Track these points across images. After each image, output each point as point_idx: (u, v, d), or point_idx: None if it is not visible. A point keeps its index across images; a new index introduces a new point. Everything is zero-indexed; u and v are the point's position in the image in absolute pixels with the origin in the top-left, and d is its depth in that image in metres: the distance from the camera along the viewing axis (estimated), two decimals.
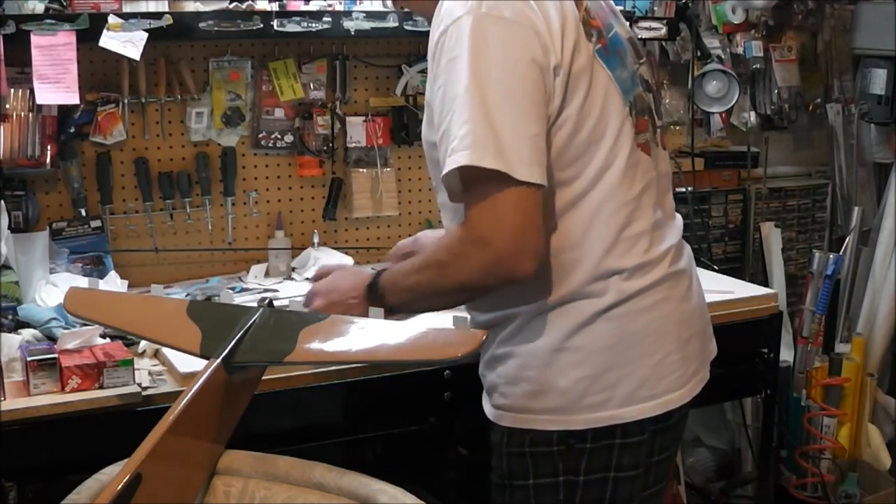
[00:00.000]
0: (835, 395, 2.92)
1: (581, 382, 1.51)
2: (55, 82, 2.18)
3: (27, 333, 1.98)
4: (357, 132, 2.67)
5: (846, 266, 3.18)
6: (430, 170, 1.60)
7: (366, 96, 2.70)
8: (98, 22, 2.21)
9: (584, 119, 1.47)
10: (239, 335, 1.51)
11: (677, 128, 3.18)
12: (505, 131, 1.38)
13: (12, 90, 2.24)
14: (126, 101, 2.40)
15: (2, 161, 2.24)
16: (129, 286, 2.35)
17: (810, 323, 2.95)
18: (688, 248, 1.67)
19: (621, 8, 2.01)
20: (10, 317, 2.06)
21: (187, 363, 1.76)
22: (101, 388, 1.76)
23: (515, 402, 1.55)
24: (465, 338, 1.40)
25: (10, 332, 1.99)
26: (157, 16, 2.28)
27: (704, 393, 1.63)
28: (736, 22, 3.15)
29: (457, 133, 1.38)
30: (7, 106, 2.23)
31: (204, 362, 1.51)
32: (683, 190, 2.96)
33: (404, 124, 2.70)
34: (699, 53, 3.03)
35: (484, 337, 1.40)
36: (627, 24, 1.70)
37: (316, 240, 2.65)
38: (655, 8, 2.86)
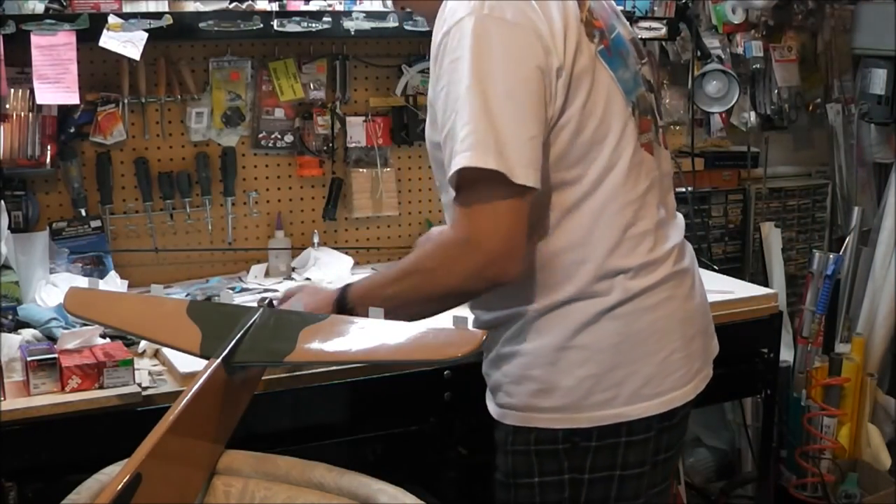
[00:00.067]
0: (835, 395, 2.92)
1: (587, 381, 1.51)
2: (55, 82, 2.18)
3: (27, 333, 1.98)
4: (357, 132, 2.67)
5: (846, 266, 3.18)
6: (434, 170, 1.61)
7: (366, 96, 2.70)
8: (98, 22, 2.21)
9: (586, 120, 1.47)
10: (239, 335, 1.51)
11: (677, 128, 3.18)
12: (505, 132, 1.38)
13: (12, 90, 2.24)
14: (126, 101, 2.40)
15: (2, 161, 2.24)
16: (129, 286, 2.35)
17: (810, 323, 2.95)
18: (690, 247, 1.68)
19: (621, 8, 2.01)
20: (10, 317, 2.06)
21: (187, 363, 1.76)
22: (101, 388, 1.76)
23: (520, 400, 1.56)
24: (465, 338, 1.40)
25: (10, 332, 1.99)
26: (157, 16, 2.28)
27: (705, 393, 1.64)
28: (736, 22, 3.15)
29: (460, 134, 1.39)
30: (7, 106, 2.23)
31: (204, 362, 1.51)
32: (683, 190, 2.96)
33: (404, 124, 2.70)
34: (699, 53, 3.03)
35: (484, 337, 1.40)
36: (629, 24, 1.70)
37: (316, 240, 2.65)
38: (655, 8, 2.86)
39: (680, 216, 1.69)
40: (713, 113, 3.14)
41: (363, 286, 1.58)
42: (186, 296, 2.31)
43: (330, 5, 2.50)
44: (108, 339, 1.89)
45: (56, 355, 1.76)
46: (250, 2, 2.42)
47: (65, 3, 2.21)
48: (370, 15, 2.50)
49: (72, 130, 2.36)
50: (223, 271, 2.60)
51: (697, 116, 3.18)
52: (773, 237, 3.24)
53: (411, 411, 2.02)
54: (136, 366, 1.81)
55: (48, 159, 2.30)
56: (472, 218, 1.42)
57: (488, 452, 1.67)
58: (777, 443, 2.82)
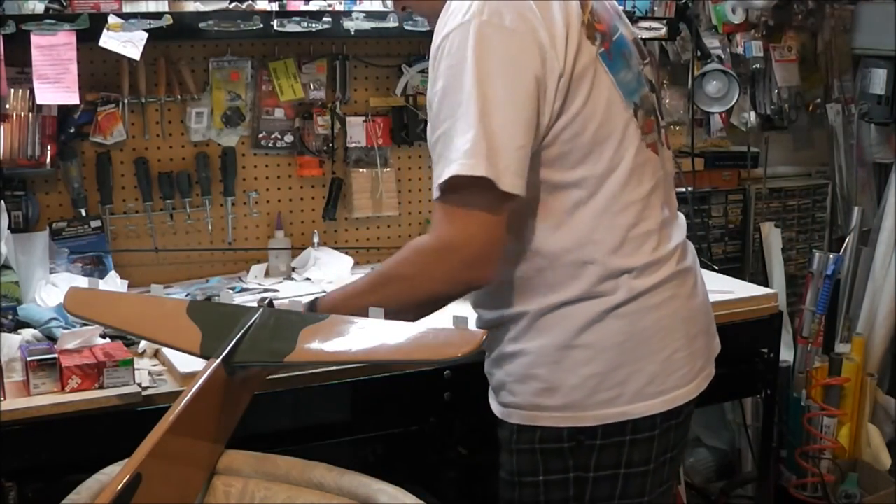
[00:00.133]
0: (835, 395, 2.92)
1: (591, 379, 1.52)
2: (55, 82, 2.18)
3: (27, 333, 1.98)
4: (357, 132, 2.67)
5: (846, 266, 3.18)
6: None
7: (366, 96, 2.70)
8: (98, 22, 2.21)
9: (586, 122, 1.48)
10: (239, 335, 1.51)
11: (677, 128, 3.18)
12: (498, 140, 1.40)
13: (12, 90, 2.24)
14: (126, 101, 2.40)
15: (2, 161, 2.24)
16: (129, 286, 2.35)
17: (810, 323, 2.95)
18: (692, 247, 1.69)
19: (622, 8, 2.01)
20: (10, 317, 2.06)
21: (187, 363, 1.77)
22: (101, 388, 1.76)
23: (525, 399, 1.56)
24: (464, 338, 1.40)
25: (10, 332, 1.99)
26: (157, 16, 2.28)
27: (705, 392, 1.64)
28: (736, 22, 3.16)
29: (457, 142, 1.41)
30: (7, 106, 2.23)
31: (204, 362, 1.51)
32: (683, 190, 2.96)
33: (404, 124, 2.70)
34: (699, 53, 3.03)
35: (484, 337, 1.40)
36: (631, 24, 1.71)
37: (316, 240, 2.65)
38: (655, 8, 2.86)
39: (681, 216, 1.70)
40: (713, 113, 3.14)
41: (333, 299, 1.59)
42: (186, 296, 2.31)
43: (330, 5, 2.50)
44: (108, 339, 1.89)
45: (56, 355, 1.76)
46: (250, 2, 2.42)
47: (65, 3, 2.21)
48: (370, 15, 2.50)
49: (72, 130, 2.35)
50: (223, 271, 2.60)
51: (697, 116, 3.18)
52: (773, 237, 3.24)
53: (411, 411, 2.02)
54: (136, 366, 1.81)
55: (48, 159, 2.30)
56: (453, 222, 1.44)
57: (488, 452, 1.67)
58: (777, 443, 2.82)
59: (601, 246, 1.51)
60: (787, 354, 2.94)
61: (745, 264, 3.34)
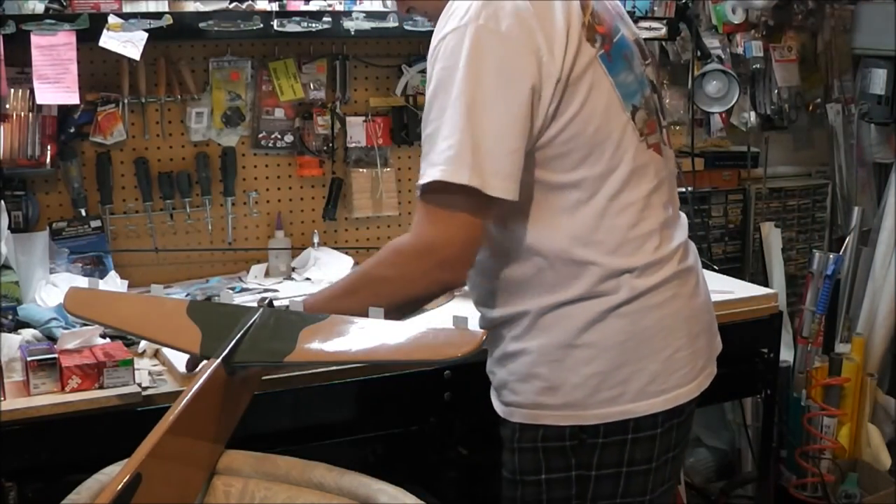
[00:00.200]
0: (835, 395, 2.92)
1: (593, 378, 1.52)
2: (55, 82, 2.18)
3: (27, 333, 1.98)
4: (357, 132, 2.67)
5: (846, 266, 3.18)
6: None
7: (366, 96, 2.70)
8: (98, 22, 2.22)
9: (584, 124, 1.49)
10: (239, 335, 1.51)
11: (677, 128, 3.18)
12: (487, 146, 1.41)
13: (12, 90, 2.24)
14: (126, 101, 2.40)
15: (2, 161, 2.24)
16: (129, 286, 2.35)
17: (810, 323, 2.95)
18: (693, 246, 1.69)
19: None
20: (10, 317, 2.06)
21: (185, 368, 1.76)
22: (101, 388, 1.76)
23: (527, 398, 1.56)
24: (464, 338, 1.40)
25: (10, 332, 1.99)
26: (157, 16, 2.28)
27: (705, 392, 1.64)
28: (736, 22, 3.15)
29: (440, 145, 1.42)
30: (7, 106, 2.23)
31: (204, 362, 1.51)
32: (683, 190, 2.96)
33: (404, 124, 2.70)
34: (699, 53, 3.03)
35: (484, 337, 1.40)
36: (633, 24, 1.71)
37: (316, 240, 2.65)
38: (655, 8, 2.87)
39: (683, 216, 1.70)
40: (713, 113, 3.14)
41: (312, 303, 1.58)
42: (186, 296, 2.31)
43: (330, 5, 2.50)
44: (108, 339, 1.89)
45: (56, 355, 1.76)
46: (250, 2, 2.42)
47: (65, 3, 2.21)
48: (370, 15, 2.50)
49: (72, 130, 2.36)
50: (223, 271, 2.60)
51: (697, 116, 3.18)
52: (773, 237, 3.24)
53: (411, 411, 2.02)
54: (136, 366, 1.81)
55: (48, 159, 2.30)
56: (434, 223, 1.46)
57: (488, 452, 1.67)
58: (777, 443, 2.82)
59: (601, 246, 1.51)
60: (787, 354, 2.94)
61: (745, 264, 3.34)
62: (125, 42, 2.23)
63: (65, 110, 2.31)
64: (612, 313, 1.52)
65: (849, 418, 2.97)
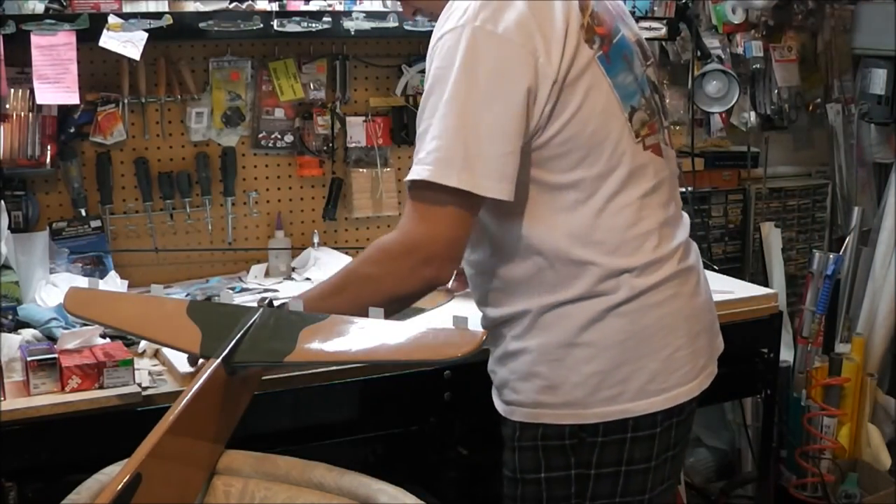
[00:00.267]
0: (835, 395, 2.92)
1: (593, 377, 1.53)
2: (55, 82, 2.18)
3: (27, 333, 1.98)
4: (357, 132, 2.67)
5: (846, 266, 3.18)
6: None
7: (366, 96, 2.70)
8: (98, 22, 2.21)
9: (582, 125, 1.49)
10: (239, 335, 1.51)
11: (677, 128, 3.18)
12: (479, 147, 1.42)
13: (12, 90, 2.24)
14: (126, 101, 2.40)
15: (2, 161, 2.24)
16: (129, 286, 2.35)
17: (810, 323, 2.95)
18: (695, 246, 1.70)
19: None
20: (10, 317, 2.06)
21: (187, 363, 1.76)
22: (101, 388, 1.76)
23: (527, 397, 1.57)
24: (464, 338, 1.40)
25: (10, 332, 1.99)
26: (157, 16, 2.28)
27: (706, 392, 1.64)
28: (736, 22, 3.16)
29: (428, 146, 1.44)
30: (7, 106, 2.23)
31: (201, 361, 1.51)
32: (683, 190, 2.96)
33: (404, 124, 2.70)
34: (699, 53, 3.03)
35: (484, 337, 1.40)
36: (636, 24, 1.71)
37: (316, 240, 2.65)
38: (655, 8, 2.87)
39: (685, 215, 1.71)
40: (713, 113, 3.14)
41: (301, 302, 1.59)
42: (186, 296, 2.31)
43: (330, 5, 2.50)
44: (108, 339, 1.89)
45: (56, 355, 1.76)
46: (250, 2, 2.42)
47: (65, 3, 2.21)
48: (370, 15, 2.50)
49: (72, 130, 2.36)
50: (223, 271, 2.60)
51: (697, 116, 3.18)
52: (773, 237, 3.24)
53: (411, 411, 2.02)
54: (136, 366, 1.81)
55: (48, 159, 2.30)
56: (421, 220, 1.47)
57: (488, 452, 1.67)
58: (777, 443, 2.82)
59: (601, 246, 1.52)
60: (787, 354, 2.94)
61: (745, 264, 3.34)
62: (125, 42, 2.23)
63: (65, 110, 2.31)
64: (612, 312, 1.52)
65: (849, 418, 2.97)
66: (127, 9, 2.27)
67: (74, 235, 2.39)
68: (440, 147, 1.43)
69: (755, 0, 3.15)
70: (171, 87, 2.45)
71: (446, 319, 1.43)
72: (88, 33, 2.21)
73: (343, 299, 1.53)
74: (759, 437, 2.71)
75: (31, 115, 2.26)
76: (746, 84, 3.22)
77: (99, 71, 2.39)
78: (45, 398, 1.73)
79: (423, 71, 2.61)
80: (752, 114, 3.27)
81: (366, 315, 1.47)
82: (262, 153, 2.63)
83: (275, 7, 2.41)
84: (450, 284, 2.18)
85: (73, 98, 2.21)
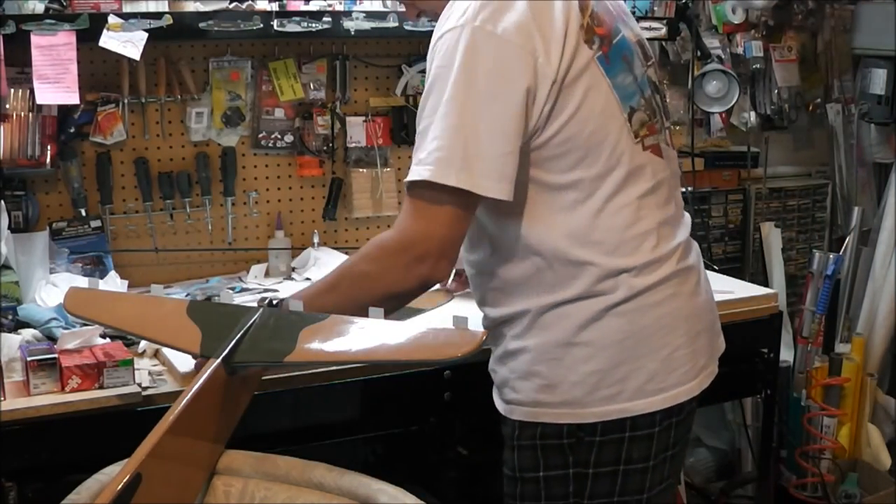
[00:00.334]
0: (835, 395, 2.92)
1: (592, 377, 1.53)
2: (55, 82, 2.18)
3: (27, 333, 1.98)
4: (357, 132, 2.67)
5: (846, 266, 3.18)
6: None
7: (366, 96, 2.70)
8: (98, 22, 2.21)
9: (581, 125, 1.49)
10: (239, 335, 1.51)
11: (677, 128, 3.18)
12: (478, 148, 1.43)
13: (12, 90, 2.24)
14: (126, 101, 2.40)
15: (2, 161, 2.24)
16: (129, 286, 2.35)
17: (810, 323, 2.95)
18: (695, 245, 1.70)
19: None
20: (10, 317, 2.06)
21: (187, 363, 1.76)
22: (101, 388, 1.76)
23: (527, 396, 1.57)
24: (464, 338, 1.40)
25: (10, 332, 1.99)
26: (157, 16, 2.28)
27: (705, 392, 1.64)
28: (736, 22, 3.16)
29: (429, 145, 1.44)
30: (7, 106, 2.23)
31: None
32: (683, 190, 2.95)
33: (404, 124, 2.70)
34: (699, 53, 3.03)
35: (484, 337, 1.41)
36: (637, 24, 1.71)
37: (316, 240, 2.65)
38: (655, 8, 2.87)
39: (686, 215, 1.71)
40: (713, 113, 3.14)
41: (298, 299, 1.59)
42: (186, 296, 2.31)
43: (330, 5, 2.50)
44: (108, 339, 1.89)
45: (56, 355, 1.76)
46: (250, 2, 2.42)
47: (65, 3, 2.21)
48: (370, 15, 2.50)
49: (72, 130, 2.36)
50: (223, 271, 2.60)
51: (697, 116, 3.18)
52: (773, 237, 3.23)
53: (411, 411, 2.02)
54: (136, 366, 1.81)
55: (48, 159, 2.30)
56: (418, 218, 1.48)
57: (488, 452, 1.67)
58: (777, 443, 2.82)
59: (599, 247, 1.52)
60: (787, 354, 2.94)
61: (745, 264, 3.34)
62: (125, 42, 2.23)
63: (65, 110, 2.31)
64: (611, 312, 1.53)
65: (849, 418, 2.97)
66: (127, 9, 2.27)
67: (74, 235, 2.39)
68: (440, 147, 1.43)
69: (755, 0, 3.15)
70: (171, 87, 2.45)
71: (446, 319, 1.43)
72: (88, 33, 2.21)
73: (339, 296, 1.54)
74: (759, 437, 2.71)
75: (31, 115, 2.26)
76: (746, 84, 3.22)
77: (99, 71, 2.39)
78: (45, 398, 1.73)
79: (423, 71, 2.61)
80: (752, 114, 3.27)
81: (362, 311, 1.47)
82: (262, 153, 2.63)
83: (275, 7, 2.41)
84: (450, 285, 2.18)
85: (73, 98, 2.21)
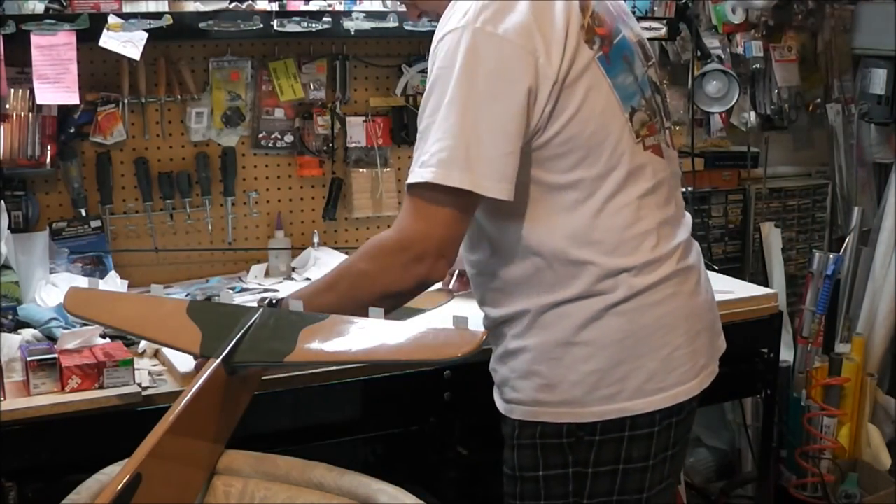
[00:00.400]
0: (835, 395, 2.92)
1: (591, 376, 1.53)
2: (55, 82, 2.18)
3: (27, 333, 1.98)
4: (357, 132, 2.67)
5: (846, 266, 3.18)
6: None
7: (366, 96, 2.70)
8: (98, 22, 2.21)
9: (582, 126, 1.50)
10: (239, 335, 1.51)
11: (677, 128, 3.18)
12: (480, 148, 1.43)
13: (12, 90, 2.24)
14: (126, 101, 2.40)
15: (2, 161, 2.24)
16: (129, 286, 2.35)
17: (810, 323, 2.95)
18: (696, 245, 1.70)
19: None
20: (10, 317, 2.06)
21: (187, 363, 1.76)
22: (101, 388, 1.76)
23: (527, 395, 1.58)
24: (464, 338, 1.40)
25: (10, 332, 1.99)
26: (157, 16, 2.28)
27: (706, 392, 1.64)
28: (736, 22, 3.16)
29: (431, 147, 1.45)
30: (7, 106, 2.23)
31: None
32: (683, 190, 2.95)
33: (404, 124, 2.70)
34: (699, 53, 3.03)
35: (484, 337, 1.41)
36: (637, 24, 1.71)
37: (316, 240, 2.65)
38: (655, 8, 2.87)
39: (687, 215, 1.71)
40: (713, 113, 3.14)
41: (297, 298, 1.59)
42: (186, 296, 2.31)
43: (330, 5, 2.50)
44: (108, 339, 1.89)
45: (56, 355, 1.76)
46: (250, 2, 2.42)
47: (65, 3, 2.21)
48: (370, 15, 2.50)
49: (72, 130, 2.35)
50: (223, 271, 2.60)
51: (697, 116, 3.18)
52: (773, 237, 3.23)
53: (411, 411, 2.02)
54: (136, 366, 1.81)
55: (48, 159, 2.30)
56: (418, 218, 1.48)
57: (488, 452, 1.67)
58: (777, 443, 2.82)
59: (599, 246, 1.52)
60: (787, 354, 2.94)
61: (745, 264, 3.34)
62: (125, 42, 2.23)
63: (65, 110, 2.31)
64: (610, 311, 1.53)
65: (849, 418, 2.97)
66: (127, 9, 2.27)
67: (74, 235, 2.39)
68: (443, 148, 1.44)
69: (755, 0, 3.15)
70: (171, 87, 2.45)
71: (446, 319, 1.43)
72: (88, 33, 2.21)
73: (337, 294, 1.54)
74: (759, 437, 2.71)
75: (31, 115, 2.26)
76: (746, 84, 3.22)
77: (99, 71, 2.39)
78: (45, 398, 1.73)
79: (422, 71, 2.62)
80: (752, 114, 3.27)
81: (361, 310, 1.47)
82: (262, 153, 2.63)
83: (275, 7, 2.41)
84: (451, 285, 2.18)
85: (73, 98, 2.21)
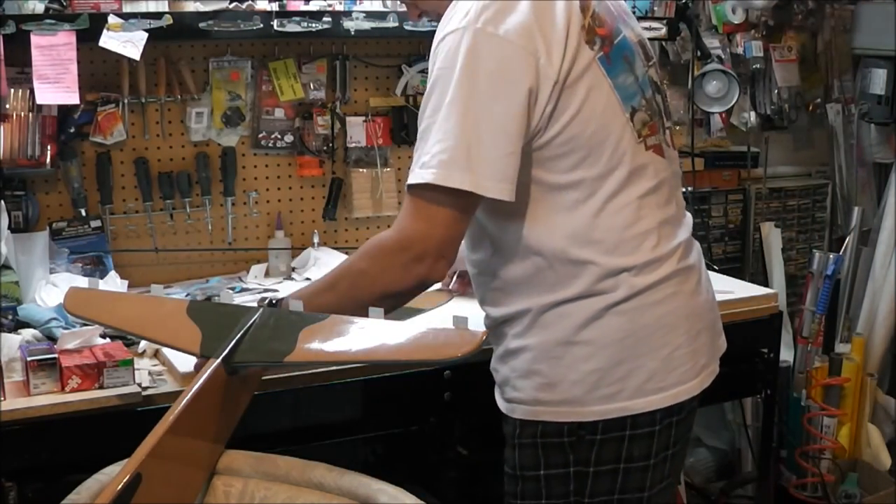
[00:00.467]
0: (835, 395, 2.93)
1: (592, 375, 1.53)
2: (55, 82, 2.18)
3: (27, 333, 1.98)
4: (357, 132, 2.67)
5: (846, 266, 3.18)
6: None
7: (366, 96, 2.70)
8: (98, 22, 2.22)
9: (583, 126, 1.50)
10: (239, 335, 1.51)
11: (677, 128, 3.18)
12: (481, 149, 1.43)
13: (12, 90, 2.24)
14: (126, 101, 2.40)
15: (2, 161, 2.24)
16: (129, 286, 2.35)
17: (810, 323, 2.95)
18: (697, 245, 1.70)
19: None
20: (10, 317, 2.06)
21: (187, 363, 1.76)
22: (101, 388, 1.76)
23: (527, 394, 1.58)
24: (464, 338, 1.40)
25: (10, 332, 1.99)
26: (157, 16, 2.28)
27: (706, 392, 1.64)
28: (736, 22, 3.16)
29: (432, 148, 1.45)
30: (7, 106, 2.23)
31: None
32: (684, 190, 2.95)
33: (404, 124, 2.70)
34: (699, 53, 3.03)
35: (484, 337, 1.41)
36: (638, 24, 1.71)
37: (316, 240, 2.65)
38: (655, 8, 2.87)
39: (688, 214, 1.72)
40: (713, 113, 3.14)
41: (297, 298, 1.59)
42: (186, 296, 2.31)
43: (330, 5, 2.50)
44: (108, 339, 1.89)
45: (56, 355, 1.76)
46: (250, 2, 2.42)
47: (65, 3, 2.21)
48: (370, 15, 2.50)
49: (72, 130, 2.36)
50: (223, 271, 2.60)
51: (697, 116, 3.18)
52: (773, 237, 3.24)
53: (411, 411, 2.02)
54: (136, 366, 1.81)
55: (48, 159, 2.30)
56: (418, 218, 1.49)
57: (488, 452, 1.67)
58: (777, 443, 2.82)
59: (600, 246, 1.52)
60: (787, 354, 2.94)
61: (745, 264, 3.34)
62: (125, 42, 2.23)
63: (65, 110, 2.31)
64: (611, 311, 1.53)
65: (849, 418, 2.97)
66: (127, 9, 2.27)
67: (74, 235, 2.39)
68: (444, 149, 1.44)
69: (755, 0, 3.15)
70: (171, 87, 2.45)
71: (446, 319, 1.43)
72: (88, 33, 2.21)
73: (337, 294, 1.54)
74: (759, 437, 2.71)
75: (31, 115, 2.26)
76: (746, 84, 3.22)
77: (99, 71, 2.39)
78: (45, 398, 1.73)
79: (423, 71, 2.62)
80: (752, 114, 3.27)
81: (360, 310, 1.47)
82: (262, 153, 2.63)
83: (275, 7, 2.41)
84: (452, 286, 2.19)
85: (73, 98, 2.21)
